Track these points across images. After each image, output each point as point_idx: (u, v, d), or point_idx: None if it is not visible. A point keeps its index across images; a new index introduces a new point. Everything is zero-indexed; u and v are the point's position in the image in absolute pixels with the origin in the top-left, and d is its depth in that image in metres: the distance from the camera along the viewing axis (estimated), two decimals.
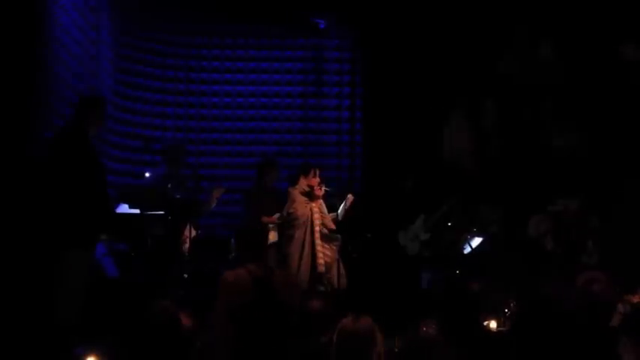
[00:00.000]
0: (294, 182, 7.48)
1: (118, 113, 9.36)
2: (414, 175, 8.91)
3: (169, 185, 7.32)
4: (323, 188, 7.37)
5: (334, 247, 7.29)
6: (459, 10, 9.22)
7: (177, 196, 7.25)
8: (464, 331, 4.09)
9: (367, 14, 9.63)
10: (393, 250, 8.51)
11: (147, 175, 7.99)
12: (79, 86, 7.85)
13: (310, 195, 7.31)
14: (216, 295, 4.38)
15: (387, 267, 8.28)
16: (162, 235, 7.14)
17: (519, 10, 9.11)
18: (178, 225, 7.27)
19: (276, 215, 7.44)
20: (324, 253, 7.21)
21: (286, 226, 7.31)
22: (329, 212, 7.45)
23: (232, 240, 7.90)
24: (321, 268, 7.14)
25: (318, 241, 7.20)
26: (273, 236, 7.53)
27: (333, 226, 7.32)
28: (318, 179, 7.39)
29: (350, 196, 7.44)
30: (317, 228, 7.24)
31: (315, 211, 7.28)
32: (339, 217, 7.42)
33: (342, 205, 7.46)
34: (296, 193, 7.32)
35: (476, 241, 8.28)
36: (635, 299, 4.93)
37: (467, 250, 8.24)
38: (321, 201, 7.38)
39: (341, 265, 7.26)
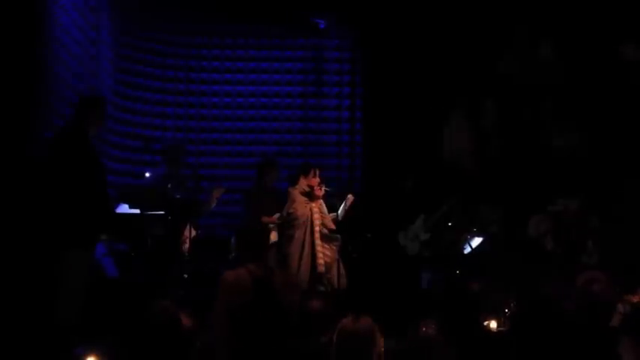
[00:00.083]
0: (294, 182, 7.47)
1: (118, 113, 9.36)
2: (414, 175, 8.91)
3: (169, 185, 7.32)
4: (323, 188, 7.37)
5: (334, 247, 7.29)
6: (458, 10, 9.22)
7: (177, 196, 7.25)
8: (464, 331, 4.09)
9: (367, 14, 9.63)
10: (393, 250, 8.51)
11: (147, 175, 7.99)
12: (79, 86, 7.85)
13: (310, 195, 7.31)
14: (216, 295, 4.38)
15: (387, 267, 8.27)
16: (162, 235, 7.14)
17: (519, 10, 9.11)
18: (178, 225, 7.27)
19: (276, 215, 7.44)
20: (324, 253, 7.20)
21: (286, 226, 7.31)
22: (329, 212, 7.45)
23: (232, 239, 7.91)
24: (321, 268, 7.14)
25: (318, 241, 7.20)
26: (273, 236, 7.53)
27: (333, 226, 7.32)
28: (318, 179, 7.39)
29: (350, 196, 7.44)
30: (317, 228, 7.24)
31: (315, 211, 7.28)
32: (339, 217, 7.42)
33: (342, 205, 7.46)
34: (296, 193, 7.31)
35: (476, 241, 8.27)
36: (635, 299, 4.93)
37: (467, 250, 8.24)
38: (321, 201, 7.38)
39: (341, 265, 7.26)
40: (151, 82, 9.92)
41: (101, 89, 8.51)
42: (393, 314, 5.06)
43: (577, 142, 8.79)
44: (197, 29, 10.11)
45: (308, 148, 10.27)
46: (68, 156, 5.45)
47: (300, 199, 7.28)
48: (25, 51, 6.20)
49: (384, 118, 9.74)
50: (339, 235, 7.32)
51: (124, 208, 6.97)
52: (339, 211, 7.46)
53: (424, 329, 4.36)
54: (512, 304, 5.59)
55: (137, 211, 6.90)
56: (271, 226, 7.52)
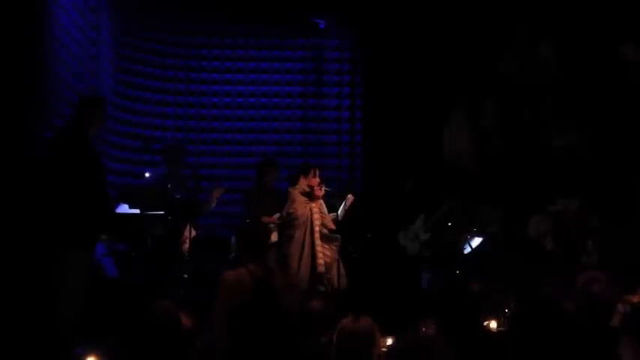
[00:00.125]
0: (294, 182, 7.47)
1: (118, 113, 9.36)
2: (414, 175, 8.91)
3: (169, 185, 7.32)
4: (323, 188, 7.36)
5: (334, 248, 7.29)
6: (458, 10, 9.22)
7: (177, 196, 7.25)
8: (464, 331, 4.09)
9: (367, 14, 9.63)
10: (393, 250, 8.51)
11: (147, 175, 7.99)
12: (79, 86, 7.85)
13: (310, 195, 7.31)
14: (216, 294, 4.39)
15: (387, 267, 8.27)
16: (162, 235, 7.14)
17: (519, 10, 9.11)
18: (178, 225, 7.27)
19: (276, 215, 7.44)
20: (324, 254, 7.20)
21: (286, 227, 7.31)
22: (329, 212, 7.44)
23: (232, 239, 7.91)
24: (321, 269, 7.14)
25: (317, 242, 7.20)
26: (273, 236, 7.53)
27: (333, 227, 7.32)
28: (318, 179, 7.38)
29: (350, 196, 7.44)
30: (317, 228, 7.23)
31: (314, 211, 7.28)
32: (339, 217, 7.42)
33: (342, 206, 7.46)
34: (296, 193, 7.31)
35: (476, 241, 8.27)
36: (635, 299, 4.93)
37: (467, 250, 8.24)
38: (321, 201, 7.38)
39: (341, 265, 7.26)
40: (151, 82, 9.92)
41: (101, 89, 8.51)
42: (393, 314, 5.06)
43: (577, 142, 8.79)
44: (197, 29, 10.11)
45: (308, 148, 10.27)
46: (68, 156, 5.45)
47: (300, 199, 7.28)
48: (25, 51, 6.21)
49: (384, 118, 9.74)
50: (339, 235, 7.31)
51: (124, 208, 6.97)
52: (339, 211, 7.45)
53: (424, 329, 4.35)
54: (512, 304, 5.59)
55: (137, 211, 6.90)
56: (271, 226, 7.52)
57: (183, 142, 9.62)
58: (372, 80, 10.08)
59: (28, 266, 5.53)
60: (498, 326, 5.21)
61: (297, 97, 10.35)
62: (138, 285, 6.48)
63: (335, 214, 7.47)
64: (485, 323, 5.10)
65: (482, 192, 8.86)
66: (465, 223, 8.47)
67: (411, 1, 9.38)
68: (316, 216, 7.26)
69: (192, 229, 7.13)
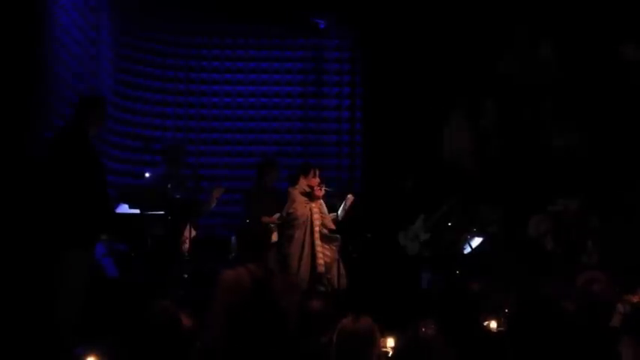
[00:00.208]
0: (294, 182, 7.47)
1: (118, 113, 9.36)
2: (414, 175, 8.91)
3: (169, 185, 7.31)
4: (323, 188, 7.36)
5: (334, 248, 7.29)
6: (458, 10, 9.22)
7: (177, 196, 7.24)
8: (464, 331, 4.09)
9: (367, 14, 9.63)
10: (393, 250, 8.51)
11: (147, 175, 7.98)
12: (79, 86, 7.84)
13: (310, 195, 7.31)
14: (215, 293, 4.37)
15: (387, 267, 8.27)
16: (162, 235, 7.13)
17: (519, 10, 9.11)
18: (178, 225, 7.26)
19: (276, 215, 7.44)
20: (324, 254, 7.20)
21: (286, 227, 7.31)
22: (329, 212, 7.45)
23: (233, 239, 7.90)
24: (321, 269, 7.14)
25: (317, 242, 7.20)
26: (273, 236, 7.53)
27: (333, 227, 7.32)
28: (318, 179, 7.38)
29: (350, 196, 7.44)
30: (317, 228, 7.24)
31: (314, 211, 7.28)
32: (339, 217, 7.42)
33: (342, 205, 7.46)
34: (296, 193, 7.31)
35: (476, 241, 8.27)
36: (635, 299, 4.93)
37: (467, 250, 8.24)
38: (321, 201, 7.38)
39: (341, 265, 7.26)
40: (151, 82, 9.92)
41: (101, 89, 8.51)
42: (393, 314, 5.06)
43: (577, 142, 8.79)
44: (197, 29, 10.11)
45: (308, 148, 10.27)
46: (68, 156, 5.45)
47: (300, 199, 7.28)
48: (25, 51, 6.20)
49: (383, 118, 9.74)
50: (338, 236, 7.31)
51: (124, 208, 6.97)
52: (339, 211, 7.45)
53: (424, 329, 4.35)
54: (511, 304, 5.59)
55: (137, 211, 6.89)
56: (271, 226, 7.52)
57: (183, 142, 9.62)
58: (372, 80, 10.09)
59: (28, 266, 5.53)
60: (498, 326, 5.21)
61: (297, 97, 10.36)
62: (138, 285, 6.47)
63: (335, 214, 7.47)
64: (486, 323, 5.10)
65: (482, 192, 8.87)
66: (465, 223, 8.47)
67: (411, 1, 9.38)
68: (316, 216, 7.26)
69: (192, 229, 7.13)
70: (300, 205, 7.25)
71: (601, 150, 8.55)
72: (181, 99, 10.13)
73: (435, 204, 8.47)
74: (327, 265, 7.20)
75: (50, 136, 6.35)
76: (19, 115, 6.03)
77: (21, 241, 5.60)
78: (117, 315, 5.37)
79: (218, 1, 9.46)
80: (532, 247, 7.85)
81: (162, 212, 7.01)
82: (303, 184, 7.37)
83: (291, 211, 7.24)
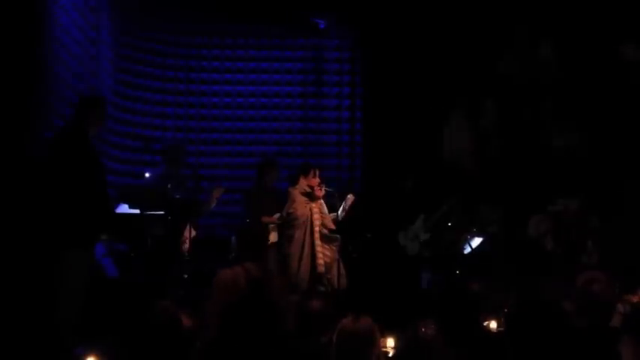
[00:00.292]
0: (294, 182, 7.48)
1: (118, 113, 9.36)
2: (414, 175, 8.91)
3: (169, 185, 7.31)
4: (323, 188, 7.37)
5: (334, 248, 7.29)
6: (458, 10, 9.22)
7: (177, 196, 7.25)
8: (463, 332, 4.09)
9: (367, 14, 9.63)
10: (393, 250, 8.51)
11: (147, 175, 7.98)
12: (79, 86, 7.84)
13: (310, 195, 7.32)
14: (211, 292, 4.36)
15: (387, 267, 8.27)
16: (162, 235, 7.14)
17: (519, 10, 9.11)
18: (178, 225, 7.26)
19: (276, 215, 7.44)
20: (324, 254, 7.21)
21: (286, 227, 7.32)
22: (329, 212, 7.45)
23: (233, 239, 7.90)
24: (321, 269, 7.15)
25: (317, 242, 7.21)
26: (273, 237, 7.53)
27: (333, 227, 7.32)
28: (318, 179, 7.39)
29: (350, 196, 7.44)
30: (317, 228, 7.24)
31: (314, 211, 7.28)
32: (339, 217, 7.42)
33: (342, 205, 7.46)
34: (296, 193, 7.32)
35: (476, 241, 8.28)
36: (635, 299, 4.94)
37: (467, 250, 8.24)
38: (321, 201, 7.39)
39: (341, 265, 7.26)
40: (151, 82, 9.92)
41: (101, 89, 8.51)
42: (393, 314, 5.06)
43: (577, 142, 8.79)
44: (197, 29, 10.11)
45: (308, 148, 10.28)
46: (68, 156, 5.45)
47: (300, 199, 7.28)
48: (25, 51, 6.20)
49: (383, 118, 9.74)
50: (338, 236, 7.32)
51: (124, 208, 6.96)
52: (339, 211, 7.45)
53: (424, 329, 4.35)
54: (510, 304, 5.59)
55: (137, 211, 6.89)
56: (271, 226, 7.52)
57: (183, 142, 9.62)
58: (372, 80, 10.09)
59: (28, 266, 5.53)
60: (498, 326, 5.21)
61: (297, 97, 10.36)
62: (138, 285, 6.47)
63: (335, 214, 7.47)
64: (486, 323, 5.10)
65: (482, 192, 8.87)
66: (465, 223, 8.47)
67: (411, 1, 9.38)
68: (316, 216, 7.26)
69: (192, 229, 7.13)
70: (300, 205, 7.26)
71: (601, 150, 8.55)
72: (181, 99, 10.13)
73: (435, 204, 8.47)
74: (327, 265, 7.21)
75: (50, 136, 6.35)
76: (19, 115, 6.03)
77: (21, 241, 5.60)
78: (117, 315, 5.37)
79: (218, 1, 9.46)
80: (532, 247, 7.85)
81: (162, 212, 7.01)
82: (303, 184, 7.37)
83: (291, 211, 7.24)
